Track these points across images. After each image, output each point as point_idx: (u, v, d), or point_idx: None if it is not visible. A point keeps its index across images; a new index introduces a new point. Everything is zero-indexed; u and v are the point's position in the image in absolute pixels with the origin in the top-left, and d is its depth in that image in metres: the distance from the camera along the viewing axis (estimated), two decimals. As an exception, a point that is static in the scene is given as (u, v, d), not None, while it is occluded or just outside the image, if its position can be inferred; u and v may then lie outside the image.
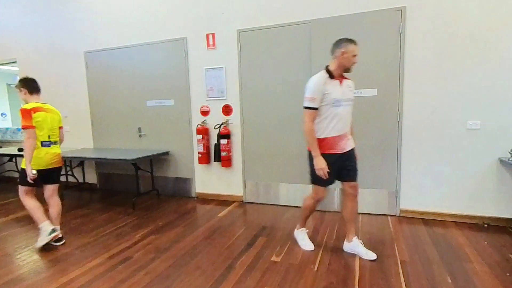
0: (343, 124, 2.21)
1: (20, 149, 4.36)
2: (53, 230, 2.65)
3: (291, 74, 3.46)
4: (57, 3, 4.60)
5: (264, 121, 3.65)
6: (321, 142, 2.22)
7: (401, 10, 2.97)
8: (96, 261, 2.42)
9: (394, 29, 3.02)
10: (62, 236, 2.79)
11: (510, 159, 2.68)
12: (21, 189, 2.67)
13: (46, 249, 2.67)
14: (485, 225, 2.92)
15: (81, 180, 4.91)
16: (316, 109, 2.18)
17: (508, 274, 2.09)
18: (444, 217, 3.08)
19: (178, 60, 3.97)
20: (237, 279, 2.10)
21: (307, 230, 2.66)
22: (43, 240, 2.63)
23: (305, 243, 2.56)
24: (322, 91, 2.14)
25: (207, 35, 3.78)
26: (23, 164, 2.58)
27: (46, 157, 2.63)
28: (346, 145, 2.27)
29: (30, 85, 2.69)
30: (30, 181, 2.59)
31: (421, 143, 3.07)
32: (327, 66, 2.22)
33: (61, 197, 4.30)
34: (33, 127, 2.55)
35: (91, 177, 4.86)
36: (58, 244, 2.74)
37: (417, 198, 3.15)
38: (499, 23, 2.73)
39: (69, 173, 4.81)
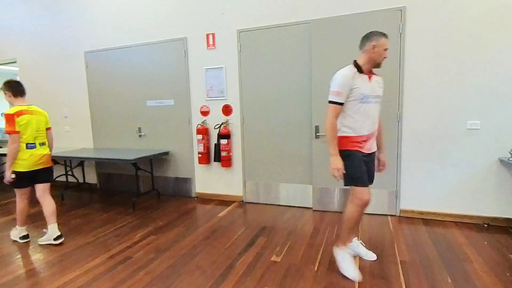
0: (371, 122, 2.07)
1: None
2: (25, 237, 2.83)
3: (291, 74, 3.46)
4: (57, 3, 4.60)
5: (264, 121, 3.65)
6: (348, 140, 2.05)
7: (401, 10, 2.97)
8: (96, 261, 2.42)
9: (394, 29, 3.02)
10: (61, 234, 2.80)
11: (510, 159, 2.68)
12: (15, 191, 2.75)
13: (46, 248, 2.68)
14: (485, 225, 2.92)
15: (81, 180, 4.91)
16: (341, 104, 2.02)
17: (508, 274, 2.09)
18: (444, 217, 3.08)
19: (178, 60, 3.96)
20: (237, 279, 2.10)
21: (355, 254, 2.32)
22: (14, 237, 2.88)
23: (348, 268, 2.11)
24: (349, 86, 1.98)
25: (207, 35, 3.78)
26: (12, 166, 2.64)
27: (31, 159, 2.67)
28: (372, 146, 2.15)
29: (14, 88, 2.69)
30: (7, 183, 2.66)
31: (421, 143, 3.07)
32: (355, 60, 2.06)
33: (61, 197, 4.31)
34: (17, 132, 2.57)
35: (91, 177, 4.86)
36: (57, 242, 2.74)
37: (417, 198, 3.15)
38: (499, 23, 2.73)
39: (69, 173, 4.81)
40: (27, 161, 2.65)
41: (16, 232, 2.86)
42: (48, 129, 2.86)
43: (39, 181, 2.79)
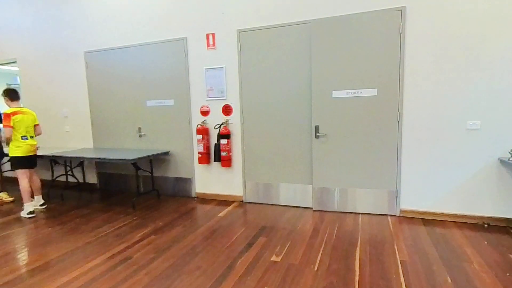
0: None
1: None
2: (31, 212, 3.56)
3: (291, 74, 3.46)
4: (57, 3, 4.60)
5: (264, 121, 3.65)
6: None
7: (401, 10, 2.97)
8: (96, 261, 2.42)
9: (394, 29, 3.02)
10: (44, 202, 3.88)
11: (510, 159, 2.68)
12: (17, 173, 3.55)
13: (46, 248, 2.68)
14: (485, 225, 2.92)
15: (81, 180, 4.91)
16: None
17: (508, 274, 2.09)
18: (444, 217, 3.08)
19: (178, 60, 3.96)
20: (237, 279, 2.10)
21: None
22: (23, 214, 3.56)
23: None
24: None
25: (207, 35, 3.78)
26: (11, 153, 3.48)
27: (26, 147, 3.55)
28: None
29: (11, 95, 3.54)
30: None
31: (421, 143, 3.07)
32: None
33: (61, 197, 4.32)
34: (11, 126, 3.42)
35: (91, 177, 4.86)
36: (42, 207, 3.81)
37: (417, 198, 3.16)
38: (499, 23, 2.73)
39: (69, 173, 4.80)
40: (22, 148, 3.51)
41: (24, 211, 3.54)
42: (36, 125, 3.70)
43: (30, 166, 3.67)
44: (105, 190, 4.68)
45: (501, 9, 2.71)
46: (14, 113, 3.44)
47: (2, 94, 3.56)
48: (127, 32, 4.21)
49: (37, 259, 2.50)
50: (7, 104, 3.56)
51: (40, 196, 3.84)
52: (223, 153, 3.76)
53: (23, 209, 3.59)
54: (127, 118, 4.40)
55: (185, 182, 4.18)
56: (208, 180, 4.05)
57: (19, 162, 3.52)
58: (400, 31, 3.00)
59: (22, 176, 3.58)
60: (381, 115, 3.15)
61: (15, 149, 3.48)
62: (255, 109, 3.67)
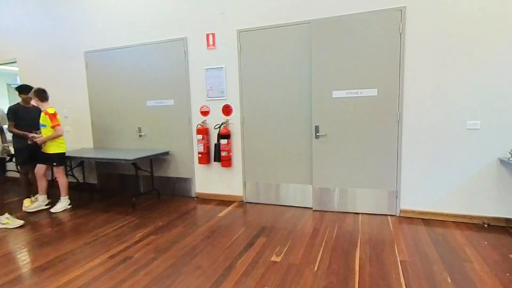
0: None
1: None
2: (70, 203, 3.84)
3: (291, 74, 3.46)
4: (57, 3, 4.60)
5: (264, 121, 3.65)
6: None
7: (401, 10, 2.97)
8: (96, 261, 2.42)
9: (394, 29, 3.02)
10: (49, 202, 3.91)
11: (510, 159, 2.68)
12: (59, 169, 3.73)
13: (46, 248, 2.68)
14: (485, 225, 2.92)
15: (81, 180, 4.91)
16: None
17: (508, 274, 2.09)
18: (444, 217, 3.08)
19: (178, 60, 3.96)
20: (237, 279, 2.10)
21: None
22: (62, 207, 3.73)
23: None
24: None
25: (207, 35, 3.78)
26: (52, 150, 3.64)
27: (65, 144, 3.79)
28: None
29: (41, 96, 3.59)
30: (35, 142, 3.64)
31: (421, 143, 3.07)
32: None
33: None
34: (59, 124, 3.61)
35: (91, 177, 4.86)
36: (47, 206, 3.82)
37: (417, 198, 3.15)
38: (499, 23, 2.73)
39: (69, 173, 4.80)
40: (64, 144, 3.76)
41: (64, 203, 3.75)
42: None
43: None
44: (105, 190, 4.68)
45: (501, 9, 2.71)
46: (56, 113, 3.64)
47: (31, 94, 3.62)
48: (127, 32, 4.21)
49: (37, 259, 2.50)
50: (36, 104, 3.62)
51: (45, 196, 3.89)
52: (223, 153, 3.76)
53: (60, 202, 3.74)
54: (127, 118, 4.40)
55: (185, 182, 4.18)
56: (208, 180, 4.05)
57: (63, 158, 3.77)
58: (400, 31, 3.00)
59: (64, 173, 3.82)
60: (381, 115, 3.15)
61: (60, 146, 3.70)
62: (255, 109, 3.67)
